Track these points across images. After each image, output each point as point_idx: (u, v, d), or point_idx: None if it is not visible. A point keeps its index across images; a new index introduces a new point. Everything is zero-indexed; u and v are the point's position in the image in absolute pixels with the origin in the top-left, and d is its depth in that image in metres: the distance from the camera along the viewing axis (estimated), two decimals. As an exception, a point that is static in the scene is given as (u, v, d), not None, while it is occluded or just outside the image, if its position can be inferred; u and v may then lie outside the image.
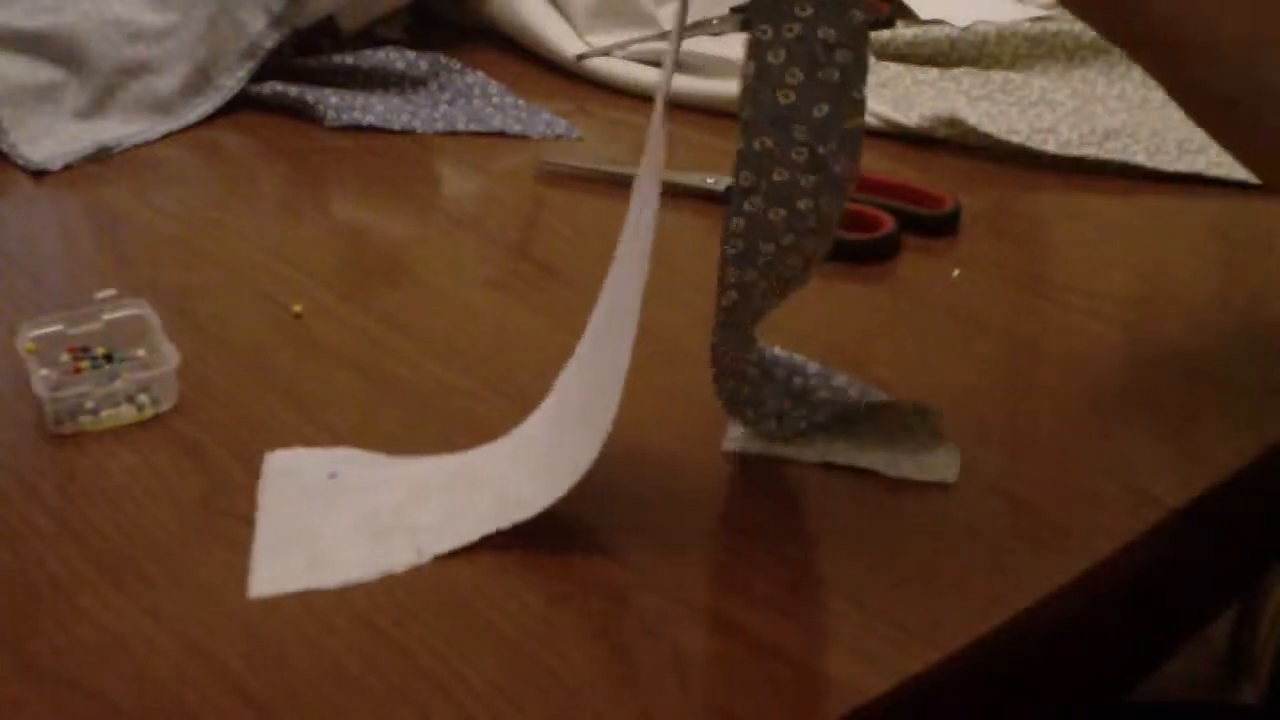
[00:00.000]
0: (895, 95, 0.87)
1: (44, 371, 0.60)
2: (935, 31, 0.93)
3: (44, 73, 0.91)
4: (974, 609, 0.49)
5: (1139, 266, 0.74)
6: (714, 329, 0.55)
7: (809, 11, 0.50)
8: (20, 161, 0.84)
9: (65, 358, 0.62)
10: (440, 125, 0.90)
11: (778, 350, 0.57)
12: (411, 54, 0.96)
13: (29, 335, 0.62)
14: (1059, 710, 0.57)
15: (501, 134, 0.89)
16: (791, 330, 0.65)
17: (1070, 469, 0.56)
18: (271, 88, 0.92)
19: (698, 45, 0.95)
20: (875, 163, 0.78)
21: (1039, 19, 0.96)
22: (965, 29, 0.93)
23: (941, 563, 0.52)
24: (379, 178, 0.84)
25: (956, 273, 0.71)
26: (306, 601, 0.50)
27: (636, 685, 0.46)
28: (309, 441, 0.58)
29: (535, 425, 0.58)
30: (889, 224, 0.73)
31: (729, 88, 0.90)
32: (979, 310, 0.68)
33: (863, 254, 0.72)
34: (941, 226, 0.75)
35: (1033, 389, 0.63)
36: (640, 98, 0.93)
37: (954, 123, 0.82)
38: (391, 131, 0.89)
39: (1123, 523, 0.53)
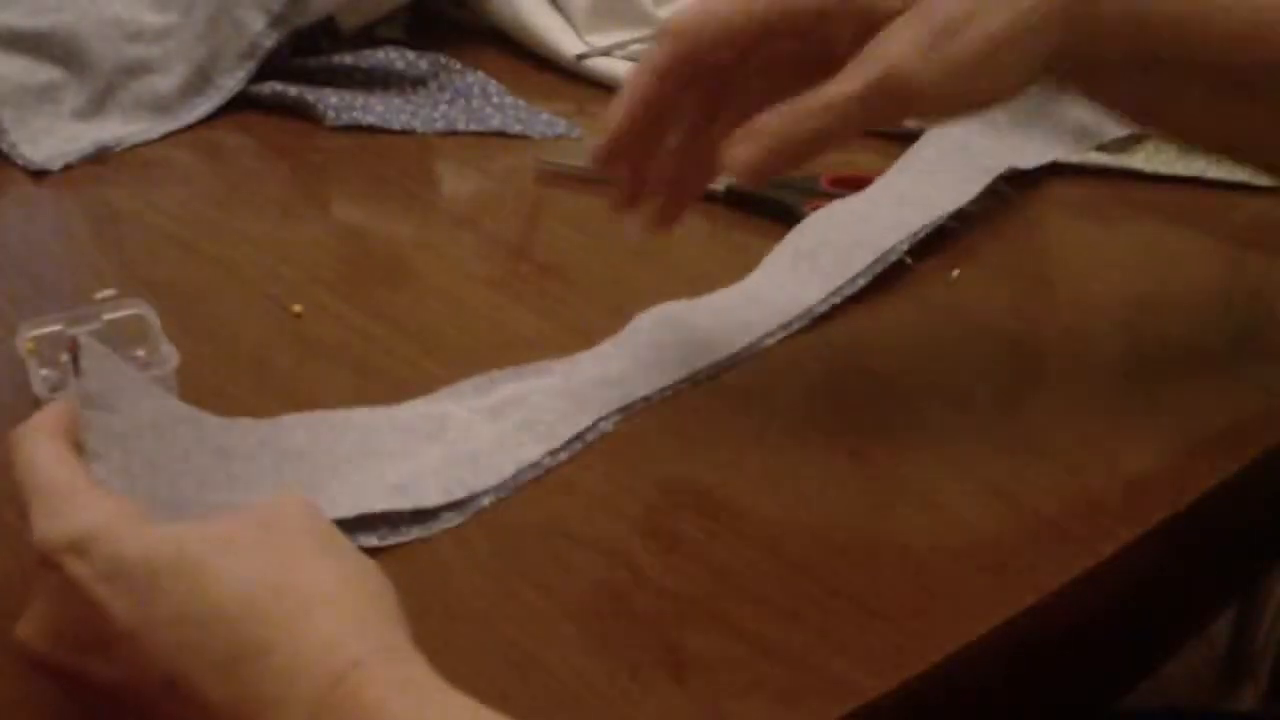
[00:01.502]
0: (895, 95, 0.87)
1: (44, 371, 0.60)
2: (935, 31, 0.93)
3: (44, 73, 0.91)
4: (974, 609, 0.49)
5: (1139, 266, 0.74)
6: None
7: None
8: (20, 161, 0.84)
9: (65, 358, 0.62)
10: (440, 125, 0.90)
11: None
12: (411, 54, 0.96)
13: (29, 335, 0.62)
14: (1059, 711, 0.57)
15: (501, 134, 0.89)
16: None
17: (1070, 469, 0.56)
18: (271, 88, 0.92)
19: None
20: (876, 163, 0.78)
21: (1039, 19, 0.96)
22: (965, 29, 0.93)
23: (941, 563, 0.52)
24: (379, 178, 0.84)
25: (956, 273, 0.71)
26: (306, 601, 0.49)
27: (636, 685, 0.46)
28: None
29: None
30: (889, 224, 0.73)
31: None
32: (979, 310, 0.68)
33: (863, 254, 0.72)
34: (941, 226, 0.75)
35: (1032, 389, 0.63)
36: (640, 98, 0.93)
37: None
38: (391, 131, 0.89)
39: (1122, 523, 0.53)
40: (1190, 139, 0.61)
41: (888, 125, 0.53)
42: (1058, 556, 0.52)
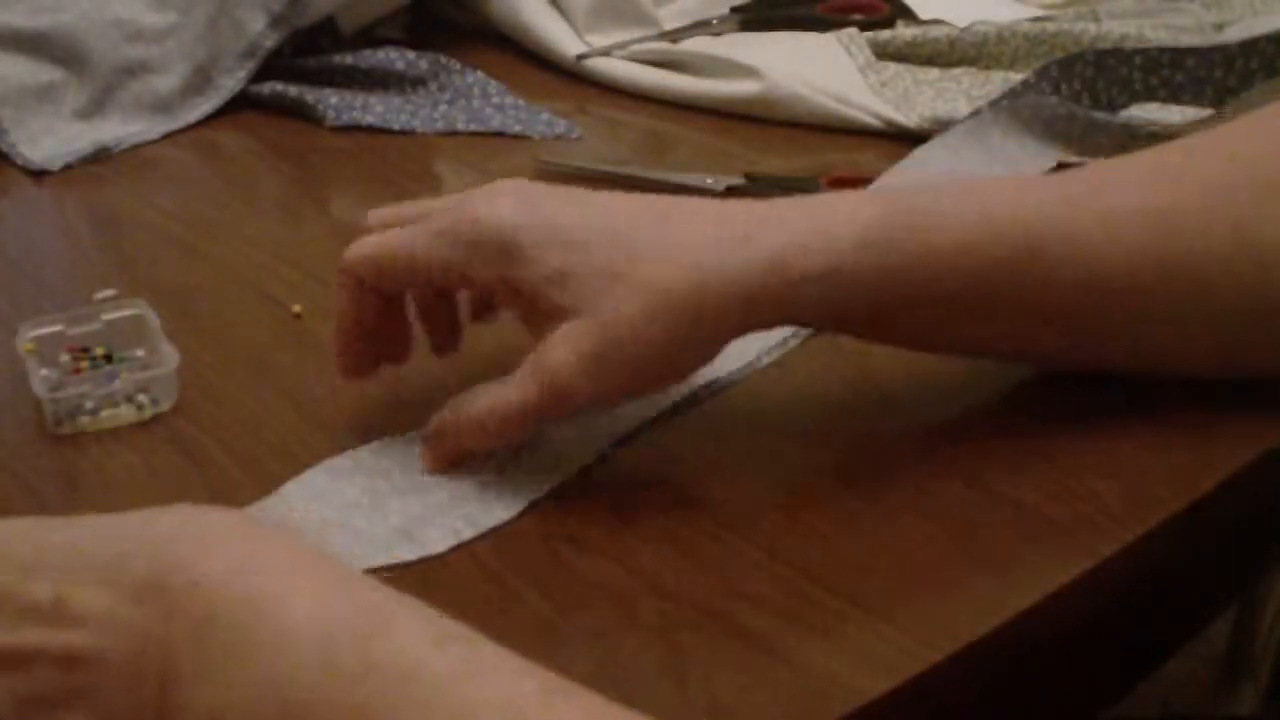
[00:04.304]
0: (895, 95, 0.87)
1: (44, 371, 0.60)
2: (935, 31, 0.93)
3: (44, 73, 0.91)
4: (974, 609, 0.49)
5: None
6: None
7: None
8: (20, 161, 0.84)
9: (65, 358, 0.62)
10: (440, 125, 0.90)
11: None
12: (411, 54, 0.96)
13: (29, 335, 0.62)
14: (1058, 712, 0.57)
15: (501, 134, 0.89)
16: (791, 330, 0.65)
17: (1070, 469, 0.56)
18: (271, 88, 0.92)
19: (698, 45, 0.95)
20: (875, 163, 0.78)
21: (1039, 19, 0.96)
22: (965, 29, 0.93)
23: (941, 563, 0.52)
24: (379, 178, 0.84)
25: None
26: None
27: (636, 685, 0.46)
28: (306, 441, 0.58)
29: None
30: (889, 224, 0.73)
31: (729, 88, 0.90)
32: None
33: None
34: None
35: (1032, 389, 0.62)
36: (640, 98, 0.93)
37: (954, 123, 0.82)
38: (391, 131, 0.89)
39: (1123, 523, 0.53)
40: (955, 352, 0.60)
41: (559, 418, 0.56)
42: (1058, 556, 0.52)
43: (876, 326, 0.57)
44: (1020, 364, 0.61)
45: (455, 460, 0.56)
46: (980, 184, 0.58)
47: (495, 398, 0.54)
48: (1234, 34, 0.84)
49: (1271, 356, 0.57)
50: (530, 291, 0.53)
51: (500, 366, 0.62)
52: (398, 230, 0.57)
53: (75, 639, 0.40)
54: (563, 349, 0.52)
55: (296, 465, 0.56)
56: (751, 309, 0.53)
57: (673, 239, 0.53)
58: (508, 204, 0.54)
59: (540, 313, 0.53)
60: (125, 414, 0.60)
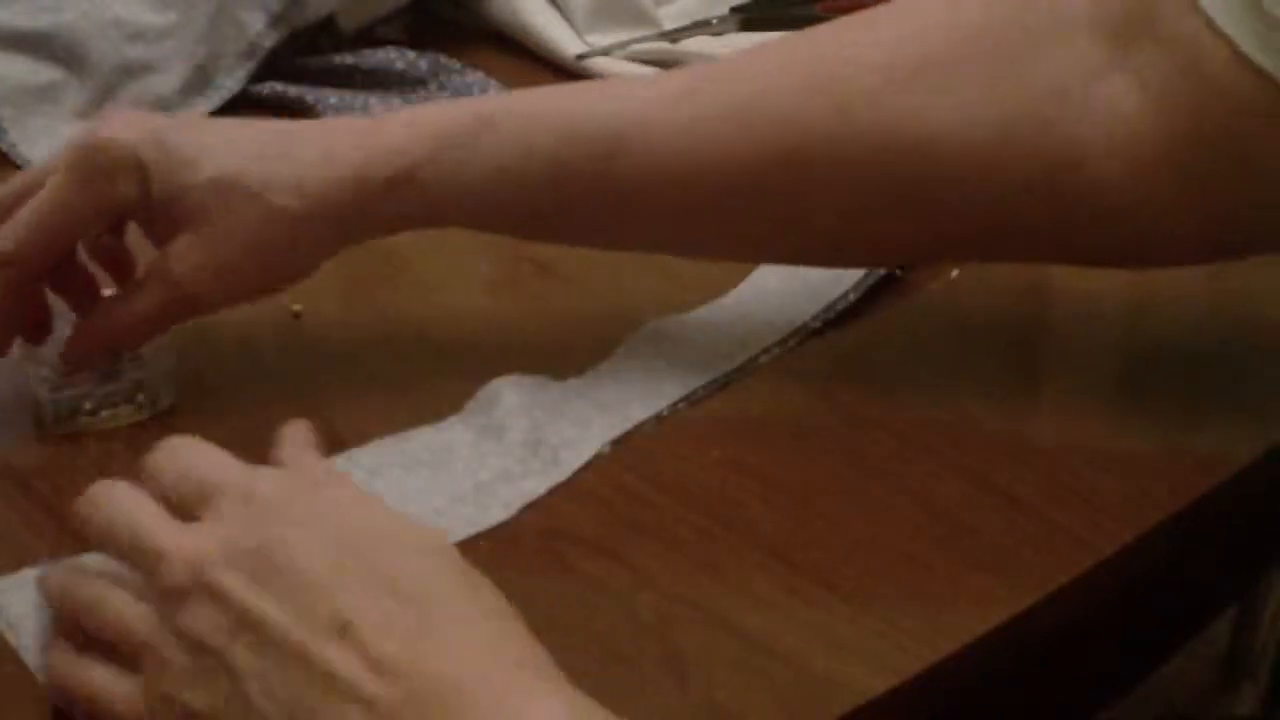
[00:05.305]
0: (895, 95, 0.87)
1: (44, 371, 0.60)
2: (935, 32, 0.93)
3: (44, 73, 0.91)
4: (974, 609, 0.49)
5: (1139, 267, 0.73)
6: None
7: None
8: (20, 162, 0.84)
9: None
10: (440, 125, 0.89)
11: None
12: (411, 54, 0.95)
13: (29, 335, 0.62)
14: (1058, 711, 0.57)
15: (501, 134, 0.88)
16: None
17: (1070, 469, 0.56)
18: (271, 88, 0.91)
19: (698, 45, 0.95)
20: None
21: (1039, 19, 0.96)
22: (965, 29, 0.93)
23: (941, 562, 0.52)
24: (379, 178, 0.84)
25: (955, 273, 0.71)
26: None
27: (636, 685, 0.46)
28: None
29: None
30: (889, 224, 0.72)
31: (729, 88, 0.90)
32: (978, 310, 0.68)
33: (863, 254, 0.72)
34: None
35: (1032, 388, 0.63)
36: (640, 98, 0.93)
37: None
38: (391, 131, 0.89)
39: (1123, 523, 0.53)
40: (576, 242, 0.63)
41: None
42: (1058, 556, 0.52)
43: (475, 217, 0.59)
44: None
45: (91, 360, 0.59)
46: (567, 87, 0.60)
47: (126, 312, 0.58)
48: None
49: (874, 253, 0.59)
50: (158, 207, 0.56)
51: (507, 367, 0.62)
52: (34, 187, 0.57)
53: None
54: (189, 259, 0.57)
55: (296, 465, 0.56)
56: (345, 222, 0.58)
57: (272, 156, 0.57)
58: (121, 125, 0.57)
59: (163, 225, 0.57)
60: (125, 414, 0.60)
